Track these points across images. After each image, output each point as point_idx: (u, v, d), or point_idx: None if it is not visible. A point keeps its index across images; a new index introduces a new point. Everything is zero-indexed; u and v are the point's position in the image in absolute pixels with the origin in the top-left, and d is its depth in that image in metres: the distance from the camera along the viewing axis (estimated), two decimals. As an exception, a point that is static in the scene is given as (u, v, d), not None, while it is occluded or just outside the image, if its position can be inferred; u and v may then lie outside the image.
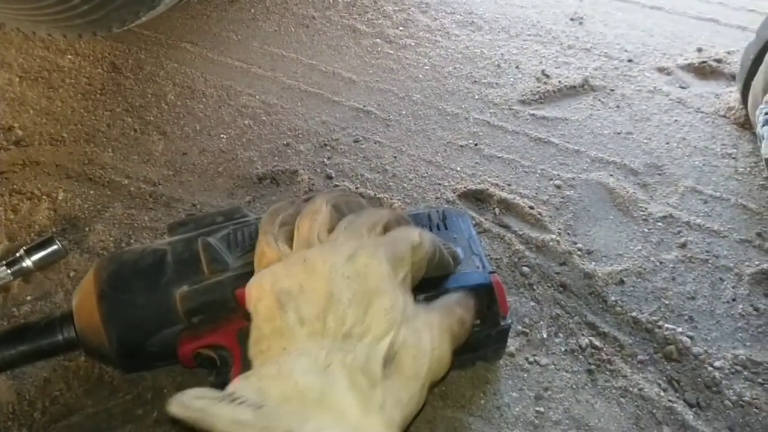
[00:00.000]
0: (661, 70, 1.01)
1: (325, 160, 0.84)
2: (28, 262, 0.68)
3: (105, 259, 0.58)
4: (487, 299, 0.55)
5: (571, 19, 1.12)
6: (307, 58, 1.02)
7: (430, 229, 0.61)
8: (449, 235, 0.61)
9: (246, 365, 0.53)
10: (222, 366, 0.55)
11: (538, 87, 0.95)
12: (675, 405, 0.58)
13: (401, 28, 1.09)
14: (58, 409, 0.59)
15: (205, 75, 0.98)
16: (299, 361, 0.41)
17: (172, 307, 0.55)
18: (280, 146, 0.86)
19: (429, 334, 0.44)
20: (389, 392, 0.41)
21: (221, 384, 0.54)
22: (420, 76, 0.98)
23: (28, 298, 0.68)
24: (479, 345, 0.57)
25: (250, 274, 0.55)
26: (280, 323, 0.44)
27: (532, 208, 0.76)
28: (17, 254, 0.68)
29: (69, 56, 1.02)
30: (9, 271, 0.67)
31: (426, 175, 0.81)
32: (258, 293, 0.46)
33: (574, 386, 0.60)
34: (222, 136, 0.88)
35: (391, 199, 0.78)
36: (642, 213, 0.76)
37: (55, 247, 0.69)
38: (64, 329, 0.57)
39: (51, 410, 0.58)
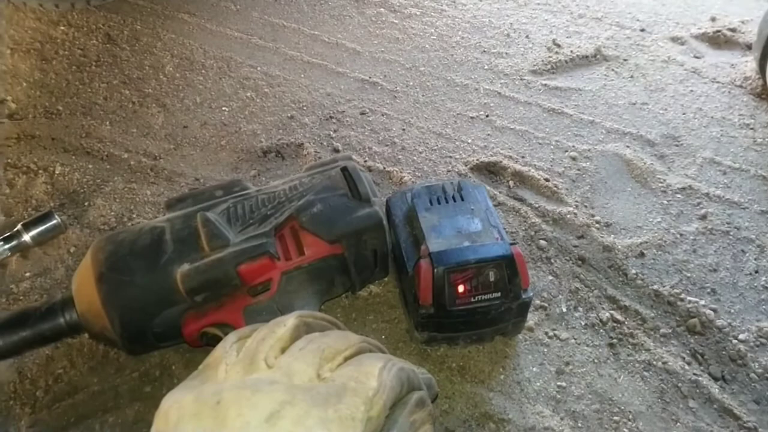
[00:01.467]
0: (674, 39, 0.98)
1: (332, 132, 0.81)
2: (26, 238, 0.66)
3: (102, 239, 0.55)
4: (508, 271, 0.53)
5: (581, -12, 1.08)
6: (309, 28, 0.99)
7: (446, 201, 0.59)
8: (466, 206, 0.59)
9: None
10: (230, 343, 0.52)
11: (550, 57, 0.92)
12: (700, 378, 0.56)
13: (406, -3, 1.05)
14: (61, 388, 0.56)
15: (204, 46, 0.95)
16: None
17: (173, 286, 0.52)
18: (285, 119, 0.83)
19: None
20: None
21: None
22: (427, 46, 0.95)
23: (27, 274, 0.65)
24: (499, 318, 0.55)
25: (253, 249, 0.52)
26: None
27: (547, 180, 0.73)
28: (15, 229, 0.66)
29: (62, 27, 0.98)
30: (6, 246, 0.65)
31: (436, 147, 0.79)
32: (161, 420, 0.36)
33: (595, 360, 0.58)
34: (224, 108, 0.85)
35: (401, 172, 0.75)
36: (660, 185, 0.74)
37: (54, 221, 0.67)
38: (66, 313, 0.54)
39: (54, 389, 0.56)
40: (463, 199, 0.59)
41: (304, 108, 0.85)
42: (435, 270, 0.52)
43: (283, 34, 0.98)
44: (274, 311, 0.53)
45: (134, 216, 0.71)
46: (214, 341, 0.53)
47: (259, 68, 0.91)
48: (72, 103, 0.85)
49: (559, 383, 0.56)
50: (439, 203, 0.59)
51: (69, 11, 1.00)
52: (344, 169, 0.58)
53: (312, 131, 0.81)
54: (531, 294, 0.55)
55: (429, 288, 0.52)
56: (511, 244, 0.54)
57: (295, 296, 0.54)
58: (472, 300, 0.53)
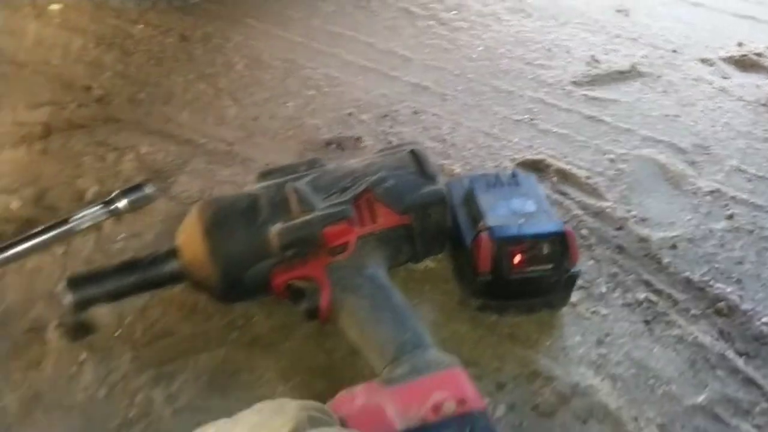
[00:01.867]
0: (704, 61, 1.06)
1: (387, 128, 0.89)
2: (122, 203, 0.73)
3: (206, 201, 0.63)
4: (560, 246, 0.60)
5: (617, 11, 1.17)
6: (365, 36, 1.07)
7: (501, 186, 0.66)
8: (520, 190, 0.66)
9: (334, 291, 0.59)
10: (312, 294, 0.60)
11: (589, 70, 1.00)
12: (726, 353, 0.62)
13: (454, 12, 1.14)
14: (157, 331, 0.64)
15: (269, 49, 1.04)
16: None
17: (267, 242, 0.60)
18: (344, 115, 0.92)
19: None
20: None
21: (310, 309, 0.60)
22: (474, 56, 1.03)
23: (121, 236, 0.73)
24: (549, 290, 0.62)
25: (335, 214, 0.60)
26: None
27: (588, 178, 0.81)
28: (112, 195, 0.74)
29: (140, 26, 1.07)
30: (104, 210, 0.73)
31: (484, 145, 0.86)
32: None
33: (632, 334, 0.64)
34: (289, 104, 0.93)
35: (452, 165, 0.83)
36: (691, 187, 0.81)
37: (146, 191, 0.75)
38: (170, 263, 0.62)
39: (151, 332, 0.63)
40: (517, 185, 0.66)
41: (361, 106, 0.93)
42: (495, 241, 0.59)
43: (341, 41, 1.06)
44: (350, 269, 0.60)
45: (215, 192, 0.78)
46: (297, 293, 0.61)
47: (319, 70, 1.00)
48: (152, 93, 0.94)
49: (599, 351, 0.63)
50: (495, 187, 0.66)
51: (147, 11, 1.10)
52: (412, 151, 0.65)
53: (369, 126, 0.89)
54: (578, 269, 0.62)
55: (488, 257, 0.59)
56: (564, 223, 0.61)
57: (367, 258, 0.61)
58: (526, 270, 0.60)
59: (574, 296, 0.67)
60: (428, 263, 0.70)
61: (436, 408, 0.47)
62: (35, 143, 0.85)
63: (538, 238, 0.59)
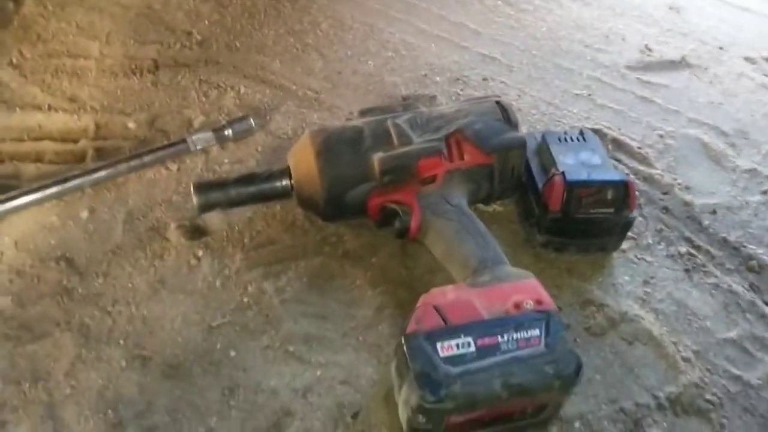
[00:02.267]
0: (747, 59, 1.14)
1: (458, 91, 0.98)
2: (228, 132, 0.83)
3: (316, 129, 0.72)
4: (621, 194, 0.69)
5: (669, 8, 1.25)
6: (437, 9, 1.16)
7: (571, 140, 0.76)
8: (587, 146, 0.75)
9: (424, 214, 0.68)
10: (404, 215, 0.69)
11: (642, 57, 1.09)
12: (756, 301, 0.71)
13: (519, -5, 1.23)
14: (262, 239, 0.74)
15: (351, 12, 1.13)
16: None
17: (369, 168, 0.69)
18: (419, 76, 1.01)
19: None
20: None
21: (402, 228, 0.69)
22: (538, 35, 1.12)
23: (225, 161, 0.83)
24: (607, 232, 0.71)
25: (430, 148, 0.70)
26: None
27: (640, 148, 0.89)
28: (221, 123, 0.83)
29: (231, -18, 1.16)
30: (214, 136, 0.83)
31: (547, 113, 0.95)
32: None
33: (674, 279, 0.73)
34: (369, 62, 1.03)
35: (516, 128, 0.92)
36: (731, 164, 0.89)
37: (249, 123, 0.84)
38: (282, 179, 0.72)
39: (257, 239, 0.74)
40: (585, 141, 0.76)
41: (435, 70, 1.02)
42: (566, 183, 0.68)
43: (416, 11, 1.15)
44: (438, 198, 0.69)
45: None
46: (390, 214, 0.71)
47: (397, 35, 1.09)
48: (246, 42, 1.04)
49: (645, 289, 0.72)
50: (566, 141, 0.75)
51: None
52: (498, 102, 0.75)
53: (442, 87, 0.99)
54: (635, 216, 0.71)
55: (559, 197, 0.69)
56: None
57: (453, 190, 0.70)
58: (591, 212, 0.69)
59: (624, 244, 0.76)
60: (496, 207, 0.80)
61: (517, 305, 0.56)
62: (146, 75, 0.95)
63: (604, 184, 0.69)
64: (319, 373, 0.62)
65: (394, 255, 0.73)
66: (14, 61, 0.96)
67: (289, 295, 0.68)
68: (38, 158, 0.82)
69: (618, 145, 0.90)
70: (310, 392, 0.60)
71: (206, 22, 1.07)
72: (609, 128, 0.93)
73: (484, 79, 1.01)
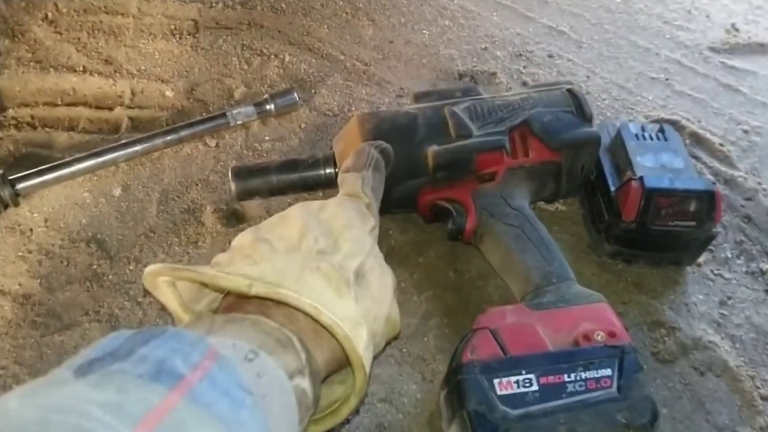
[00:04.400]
0: None
1: (521, 68, 0.89)
2: (270, 106, 0.77)
3: (365, 114, 0.66)
4: (706, 205, 0.61)
5: (761, -20, 1.12)
6: (500, -27, 1.06)
7: (650, 139, 0.67)
8: (668, 146, 0.67)
9: (480, 216, 0.61)
10: (458, 215, 0.63)
11: (728, 38, 0.97)
12: None
13: (592, -41, 1.11)
14: (303, 231, 0.68)
15: (406, -27, 1.04)
16: (274, 258, 0.42)
17: (421, 161, 0.63)
18: (478, 49, 0.92)
19: (390, 274, 0.47)
20: (361, 295, 0.42)
21: (456, 230, 0.63)
22: (612, 7, 1.01)
23: (266, 138, 0.77)
24: (686, 245, 0.64)
25: (491, 142, 0.63)
26: (253, 252, 0.43)
27: (721, 145, 0.80)
28: (263, 97, 0.77)
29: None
30: (255, 110, 0.77)
31: (618, 98, 0.86)
32: (238, 239, 0.45)
33: (754, 301, 0.66)
34: (424, 31, 0.94)
35: (582, 114, 0.83)
36: (825, 169, 0.80)
37: (293, 97, 0.78)
38: (326, 167, 0.66)
39: (298, 230, 0.68)
40: (666, 140, 0.67)
41: (496, 42, 0.93)
42: (645, 190, 0.61)
43: (477, -26, 1.05)
44: (497, 197, 0.63)
45: (353, 108, 0.81)
46: (442, 213, 0.64)
47: (455, 1, 1.00)
48: (293, 4, 0.96)
49: (721, 311, 0.65)
50: (644, 139, 0.67)
51: None
52: (570, 91, 0.66)
53: (503, 64, 0.90)
54: (719, 230, 0.63)
55: (635, 205, 0.61)
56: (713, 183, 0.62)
57: (514, 189, 0.64)
58: (670, 224, 0.62)
59: (700, 257, 0.68)
60: (558, 205, 0.72)
61: (587, 336, 0.50)
62: (185, 38, 0.88)
63: (688, 193, 0.61)
64: (358, 387, 0.57)
65: (442, 256, 0.67)
66: (49, 15, 0.91)
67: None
68: (71, 125, 0.78)
69: (697, 140, 0.81)
70: (348, 409, 0.56)
71: (251, -21, 0.99)
72: (688, 120, 0.83)
73: (550, 56, 0.92)
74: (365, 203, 0.50)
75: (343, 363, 0.43)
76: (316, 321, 0.39)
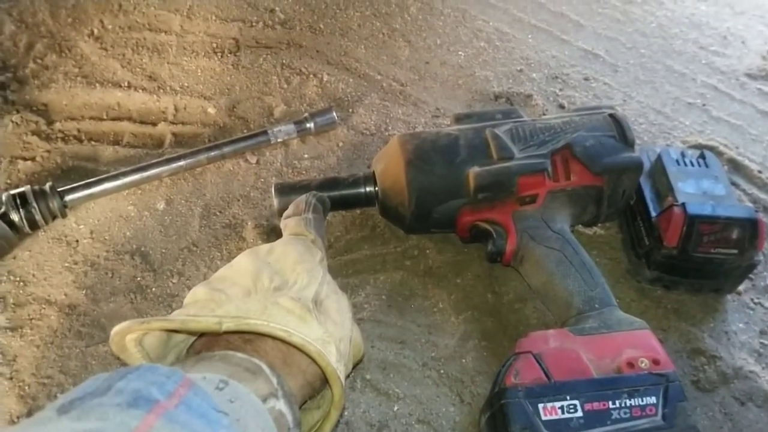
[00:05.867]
0: None
1: (557, 90, 0.90)
2: (310, 125, 0.78)
3: (407, 135, 0.67)
4: (749, 233, 0.61)
5: (798, 6, 1.11)
6: (535, -4, 1.07)
7: (691, 165, 0.67)
8: (710, 172, 0.67)
9: (521, 238, 0.61)
10: (498, 237, 0.63)
11: (765, 65, 0.97)
12: None
13: (627, -16, 1.12)
14: (340, 247, 0.69)
15: (442, -5, 1.05)
16: (234, 301, 0.44)
17: (462, 182, 0.63)
18: (514, 71, 0.93)
19: (345, 299, 0.50)
20: (322, 320, 0.45)
21: (496, 252, 0.63)
22: (647, 32, 1.02)
23: (305, 155, 0.78)
24: (727, 274, 0.63)
25: (533, 165, 0.63)
26: (210, 302, 0.45)
27: (760, 172, 0.80)
28: (303, 116, 0.79)
29: (317, -44, 1.10)
30: (296, 128, 0.78)
31: (655, 123, 0.86)
32: (191, 295, 0.47)
33: (795, 331, 0.65)
34: (460, 52, 0.95)
35: (619, 138, 0.83)
36: None
37: (333, 116, 0.79)
38: (366, 186, 0.67)
39: (335, 245, 0.69)
40: (707, 166, 0.67)
41: (532, 65, 0.94)
42: (687, 217, 0.61)
43: (512, -3, 1.06)
44: (538, 220, 0.63)
45: (390, 128, 0.82)
46: (480, 234, 0.65)
47: (491, 23, 1.01)
48: (331, 24, 0.98)
49: (761, 341, 0.64)
50: (685, 165, 0.67)
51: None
52: (612, 116, 0.67)
53: (539, 86, 0.91)
54: (761, 258, 0.63)
55: (678, 232, 0.61)
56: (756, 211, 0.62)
57: (555, 213, 0.64)
58: (712, 251, 0.61)
59: (741, 285, 0.68)
60: (597, 229, 0.72)
61: (631, 363, 0.50)
62: (227, 56, 0.90)
63: (731, 221, 0.60)
64: (396, 408, 0.57)
65: (480, 277, 0.68)
66: (95, 32, 0.93)
67: (367, 314, 0.64)
68: (116, 140, 0.80)
69: (735, 166, 0.81)
70: (386, 429, 0.56)
71: (289, 0, 1.01)
72: (725, 146, 0.83)
73: (586, 79, 0.92)
74: (310, 239, 0.54)
75: (316, 387, 0.45)
76: (288, 343, 0.42)
